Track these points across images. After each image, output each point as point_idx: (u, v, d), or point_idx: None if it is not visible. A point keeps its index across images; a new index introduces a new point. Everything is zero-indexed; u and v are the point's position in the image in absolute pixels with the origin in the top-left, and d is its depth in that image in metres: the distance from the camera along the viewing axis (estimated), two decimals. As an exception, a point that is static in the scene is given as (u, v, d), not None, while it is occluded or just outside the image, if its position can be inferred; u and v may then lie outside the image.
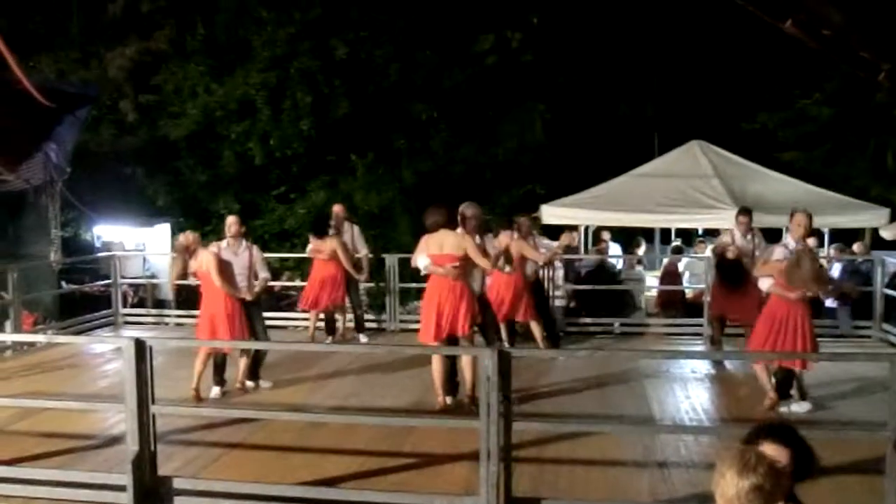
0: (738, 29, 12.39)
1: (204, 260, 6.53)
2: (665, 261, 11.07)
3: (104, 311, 10.09)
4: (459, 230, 6.17)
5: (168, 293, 11.99)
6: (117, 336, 9.11)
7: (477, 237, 6.32)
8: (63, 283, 11.27)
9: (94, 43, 14.33)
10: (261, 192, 14.93)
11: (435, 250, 6.03)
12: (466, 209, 6.39)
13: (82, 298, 11.34)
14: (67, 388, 6.86)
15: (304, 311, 9.28)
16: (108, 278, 10.25)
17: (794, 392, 6.10)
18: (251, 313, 6.77)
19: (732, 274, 7.59)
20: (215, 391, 6.70)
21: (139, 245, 12.98)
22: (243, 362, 6.76)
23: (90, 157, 13.10)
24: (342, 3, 14.33)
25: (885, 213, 11.22)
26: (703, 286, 9.34)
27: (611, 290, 9.92)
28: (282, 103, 14.29)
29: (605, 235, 11.99)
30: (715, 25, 14.18)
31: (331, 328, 8.97)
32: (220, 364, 6.75)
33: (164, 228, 13.29)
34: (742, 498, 2.21)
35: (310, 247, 8.88)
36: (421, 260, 6.11)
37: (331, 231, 8.66)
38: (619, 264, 11.32)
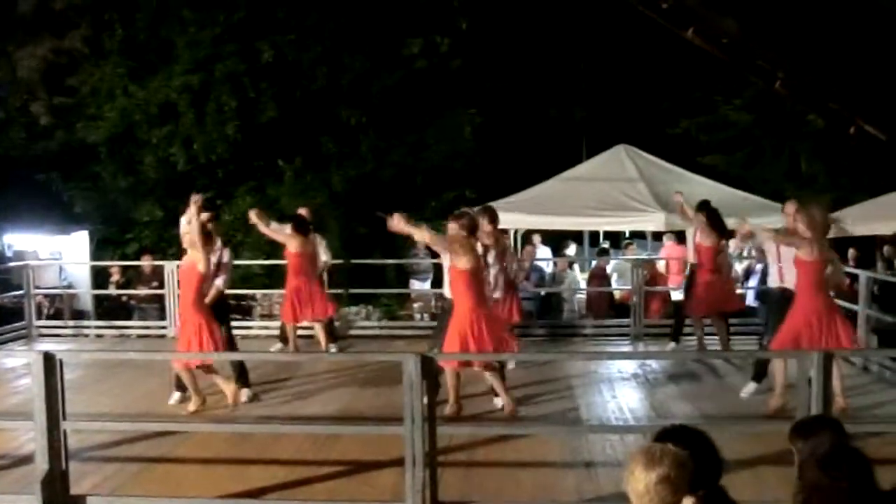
0: (662, 37, 12.73)
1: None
2: (593, 263, 11.25)
3: (17, 324, 9.60)
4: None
5: (87, 304, 11.52)
6: (28, 349, 8.68)
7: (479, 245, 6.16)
8: (-30, 296, 10.69)
9: (3, 41, 13.71)
10: (185, 198, 14.48)
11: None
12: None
13: (-7, 311, 10.77)
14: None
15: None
16: (20, 289, 9.77)
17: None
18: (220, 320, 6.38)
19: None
20: (247, 393, 6.49)
21: (55, 254, 12.44)
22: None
23: (-1, 162, 12.55)
24: (268, 5, 14.10)
25: (799, 214, 11.66)
26: (629, 287, 9.52)
27: None
28: (206, 107, 13.92)
29: (536, 239, 12.12)
30: (640, 33, 14.52)
31: (283, 337, 8.44)
32: (240, 366, 6.54)
33: (81, 236, 12.76)
34: (651, 490, 2.24)
35: (293, 249, 7.99)
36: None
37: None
38: (549, 267, 11.46)
